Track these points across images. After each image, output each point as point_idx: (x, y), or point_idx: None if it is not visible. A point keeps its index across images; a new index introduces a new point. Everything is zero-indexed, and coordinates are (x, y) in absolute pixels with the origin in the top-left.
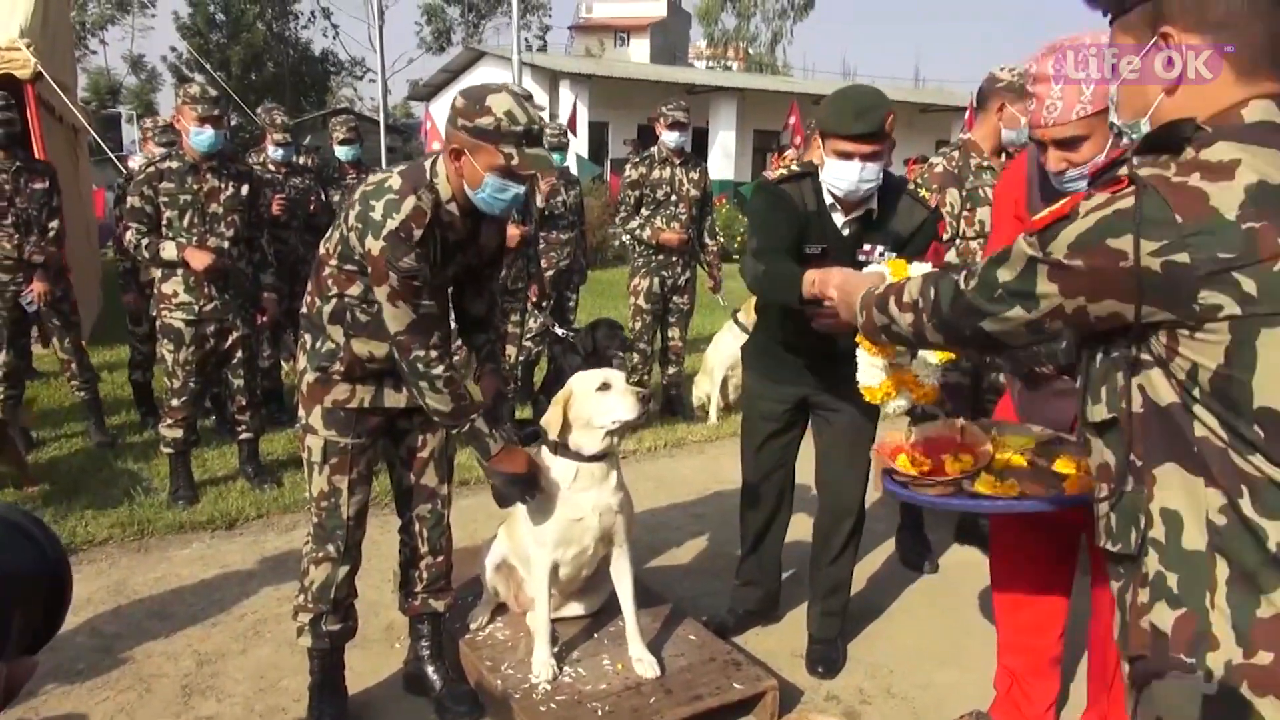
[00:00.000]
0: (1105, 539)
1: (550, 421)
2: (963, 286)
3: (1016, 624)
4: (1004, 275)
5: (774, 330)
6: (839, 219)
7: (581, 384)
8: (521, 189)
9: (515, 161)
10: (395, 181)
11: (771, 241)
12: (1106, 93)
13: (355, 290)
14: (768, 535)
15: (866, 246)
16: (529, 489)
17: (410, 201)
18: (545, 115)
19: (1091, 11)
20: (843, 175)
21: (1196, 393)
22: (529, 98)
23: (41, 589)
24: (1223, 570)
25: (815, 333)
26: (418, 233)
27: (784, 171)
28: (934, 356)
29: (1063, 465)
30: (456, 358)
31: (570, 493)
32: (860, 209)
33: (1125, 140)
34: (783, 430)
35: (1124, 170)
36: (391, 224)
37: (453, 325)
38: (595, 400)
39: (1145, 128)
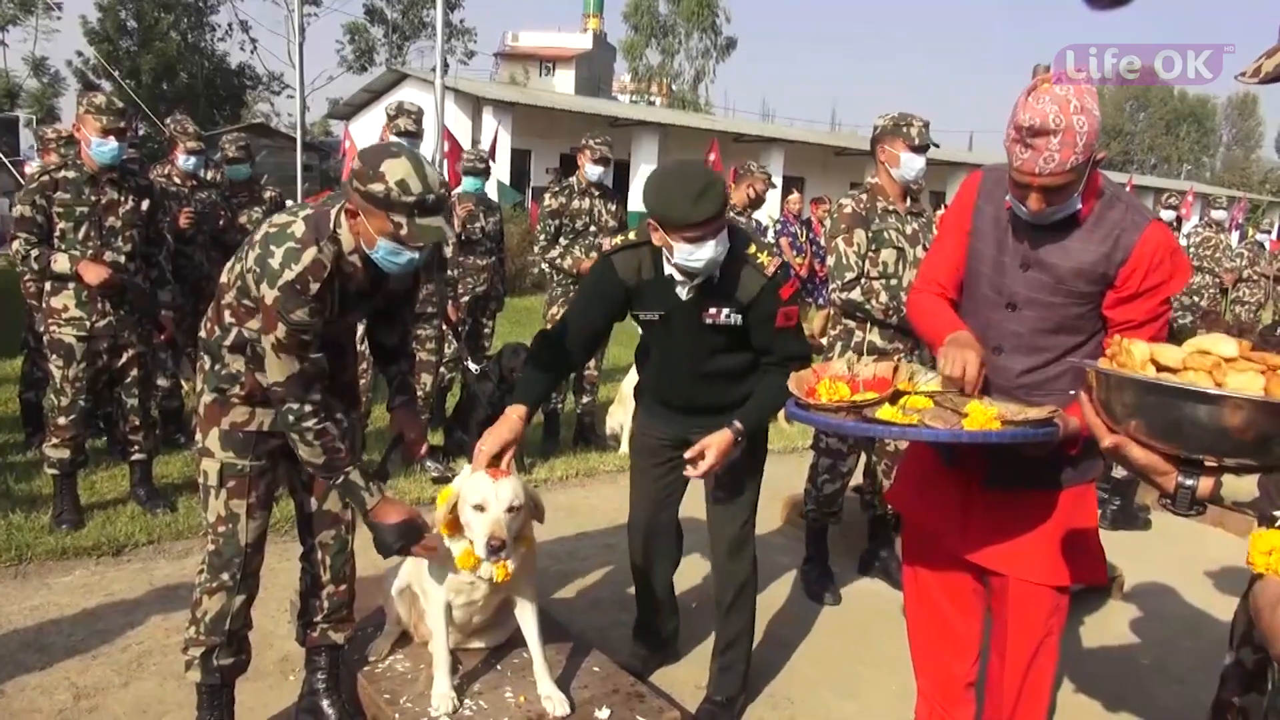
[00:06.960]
0: None
1: (438, 518)
2: None
3: (930, 651)
4: None
5: (650, 378)
6: (681, 288)
7: (465, 492)
8: (417, 254)
9: (404, 231)
10: (298, 228)
11: (576, 320)
12: (1093, 141)
13: (254, 324)
14: (652, 575)
15: (713, 310)
16: (410, 538)
17: (310, 253)
18: (468, 143)
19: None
20: (697, 257)
21: None
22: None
23: None
24: None
25: (686, 384)
26: (314, 286)
27: (621, 241)
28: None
29: (973, 408)
30: (364, 380)
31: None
32: (702, 276)
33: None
34: (667, 466)
35: None
36: (289, 275)
37: (369, 353)
38: (470, 515)
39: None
